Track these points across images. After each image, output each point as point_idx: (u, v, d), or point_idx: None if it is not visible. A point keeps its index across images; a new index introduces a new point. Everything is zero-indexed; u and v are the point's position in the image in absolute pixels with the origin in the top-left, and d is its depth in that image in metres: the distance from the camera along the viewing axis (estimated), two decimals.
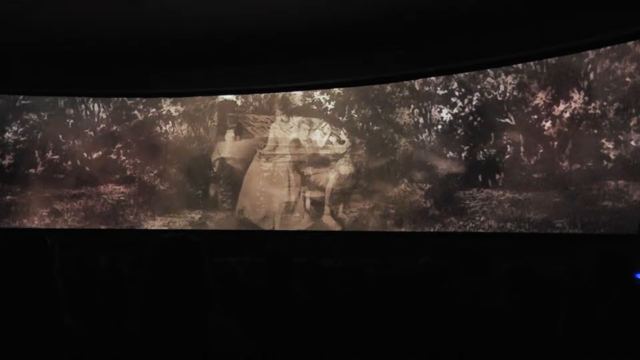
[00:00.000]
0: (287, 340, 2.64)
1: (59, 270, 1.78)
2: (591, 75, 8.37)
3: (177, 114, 11.31)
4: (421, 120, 9.84)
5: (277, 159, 10.82)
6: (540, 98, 8.80)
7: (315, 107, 10.70)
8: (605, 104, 8.22)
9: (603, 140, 8.18)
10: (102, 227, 10.99)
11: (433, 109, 9.73)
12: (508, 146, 9.01)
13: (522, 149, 8.90)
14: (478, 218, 9.17)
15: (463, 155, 9.42)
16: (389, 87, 10.20)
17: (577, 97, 8.47)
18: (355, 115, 10.40)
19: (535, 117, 8.81)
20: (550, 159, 8.63)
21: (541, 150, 8.72)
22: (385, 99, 10.22)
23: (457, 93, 9.57)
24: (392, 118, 10.11)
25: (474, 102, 9.41)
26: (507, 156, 9.02)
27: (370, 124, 10.24)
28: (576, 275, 3.11)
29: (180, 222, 10.90)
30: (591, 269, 2.51)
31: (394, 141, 10.04)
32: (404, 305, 2.83)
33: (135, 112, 11.37)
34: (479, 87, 9.39)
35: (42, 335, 1.63)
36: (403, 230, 9.76)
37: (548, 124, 8.70)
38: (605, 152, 8.13)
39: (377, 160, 10.15)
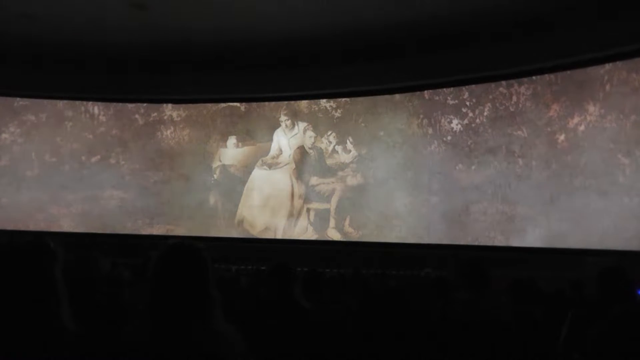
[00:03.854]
0: (287, 349, 2.73)
1: (61, 274, 1.84)
2: (607, 87, 8.26)
3: (179, 119, 11.41)
4: (430, 130, 9.87)
5: (281, 167, 10.86)
6: (554, 110, 8.74)
7: (321, 115, 10.77)
8: (621, 116, 8.09)
9: (619, 155, 8.07)
10: (99, 232, 11.05)
11: (443, 119, 9.75)
12: (520, 159, 8.99)
13: (533, 162, 8.87)
14: (487, 234, 9.16)
15: (473, 167, 9.42)
16: (397, 96, 10.26)
17: (593, 109, 8.34)
18: (363, 124, 10.45)
19: (549, 129, 8.76)
20: (563, 174, 8.57)
21: (554, 165, 8.67)
22: (394, 108, 10.27)
23: (468, 103, 9.58)
24: (400, 128, 10.16)
25: (485, 113, 9.41)
26: (518, 169, 9.00)
27: (379, 133, 10.30)
28: (578, 290, 3.20)
29: (179, 230, 10.97)
30: (592, 284, 2.61)
31: (402, 151, 10.09)
32: (405, 315, 2.91)
33: (136, 116, 11.51)
34: (490, 97, 9.40)
35: (44, 340, 1.70)
36: (408, 242, 9.79)
37: (562, 137, 8.63)
38: (621, 167, 8.03)
39: (385, 171, 10.19)
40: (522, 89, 9.11)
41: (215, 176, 11.17)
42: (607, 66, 8.29)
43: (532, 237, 8.76)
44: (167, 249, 1.74)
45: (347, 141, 10.48)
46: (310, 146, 10.72)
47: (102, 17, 8.54)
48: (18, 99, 11.49)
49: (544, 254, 8.40)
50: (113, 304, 2.85)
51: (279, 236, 10.70)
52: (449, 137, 9.67)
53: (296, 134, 10.82)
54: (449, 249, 9.13)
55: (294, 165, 10.75)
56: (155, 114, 11.45)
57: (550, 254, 8.34)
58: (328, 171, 10.56)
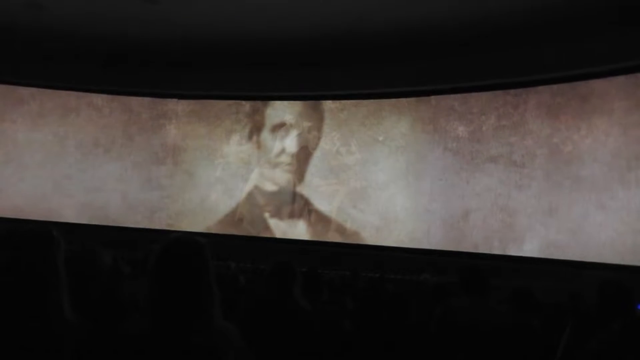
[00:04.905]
0: (285, 348, 2.74)
1: (63, 262, 1.84)
2: (612, 101, 8.14)
3: (183, 114, 11.42)
4: (435, 136, 9.84)
5: (283, 167, 10.84)
6: (559, 121, 8.71)
7: (326, 116, 10.76)
8: (625, 131, 7.95)
9: (620, 169, 8.00)
10: (100, 224, 11.05)
11: (448, 126, 9.72)
12: (521, 169, 8.96)
13: (535, 173, 8.83)
14: (485, 241, 9.13)
15: (475, 175, 9.38)
16: (403, 100, 10.24)
17: (597, 123, 8.29)
18: (367, 127, 10.43)
19: (552, 140, 8.73)
20: (564, 185, 8.54)
21: (555, 176, 8.63)
22: (399, 112, 10.26)
23: (474, 110, 9.54)
24: (405, 132, 10.14)
25: (490, 121, 9.38)
26: (519, 179, 8.97)
27: (383, 136, 10.28)
28: (576, 301, 3.20)
29: (180, 225, 10.96)
30: (591, 296, 2.61)
31: (405, 156, 10.06)
32: (403, 320, 2.92)
33: (141, 109, 11.52)
34: (496, 105, 9.37)
35: (44, 329, 1.69)
36: (406, 246, 9.78)
37: (564, 149, 8.59)
38: (621, 181, 7.95)
39: (387, 175, 10.17)
40: (529, 99, 9.08)
41: (217, 173, 11.16)
42: (613, 79, 8.23)
43: (530, 247, 8.74)
44: (169, 243, 1.73)
45: (351, 143, 10.44)
46: (313, 147, 10.68)
47: (110, 9, 8.56)
48: (23, 88, 11.50)
49: (540, 264, 8.38)
50: (112, 297, 2.85)
51: (279, 236, 10.67)
52: (454, 144, 9.63)
53: (300, 134, 10.79)
54: (447, 255, 9.13)
55: (296, 166, 10.72)
56: (160, 108, 11.47)
57: (547, 265, 8.32)
58: (331, 172, 10.53)
